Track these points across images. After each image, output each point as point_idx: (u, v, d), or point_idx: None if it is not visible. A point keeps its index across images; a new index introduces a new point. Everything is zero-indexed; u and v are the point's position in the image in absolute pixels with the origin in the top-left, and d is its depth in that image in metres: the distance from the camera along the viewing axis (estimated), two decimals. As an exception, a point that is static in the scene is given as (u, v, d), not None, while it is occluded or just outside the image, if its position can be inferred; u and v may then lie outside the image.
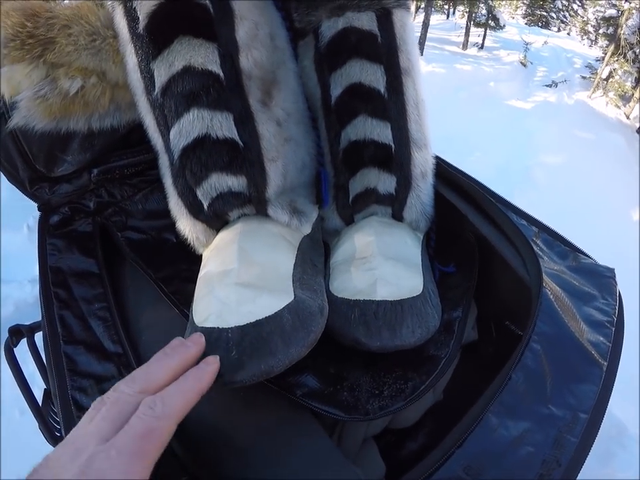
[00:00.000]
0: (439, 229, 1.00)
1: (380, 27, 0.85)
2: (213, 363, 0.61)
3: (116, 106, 0.90)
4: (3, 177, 0.97)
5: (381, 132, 0.87)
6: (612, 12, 10.73)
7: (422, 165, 0.93)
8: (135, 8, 0.76)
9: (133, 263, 0.95)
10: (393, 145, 0.88)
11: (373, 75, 0.85)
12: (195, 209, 0.83)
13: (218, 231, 0.85)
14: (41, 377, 0.95)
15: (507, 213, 0.97)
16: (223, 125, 0.76)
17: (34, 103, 0.82)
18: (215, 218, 0.83)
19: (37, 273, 0.91)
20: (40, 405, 0.94)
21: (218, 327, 0.65)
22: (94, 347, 0.80)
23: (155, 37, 0.75)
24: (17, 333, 0.98)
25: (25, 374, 0.97)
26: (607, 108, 9.22)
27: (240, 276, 0.71)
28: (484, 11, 11.47)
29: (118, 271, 0.98)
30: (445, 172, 1.07)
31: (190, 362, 0.61)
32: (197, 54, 0.74)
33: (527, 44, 11.10)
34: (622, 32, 9.77)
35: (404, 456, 0.83)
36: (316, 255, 0.89)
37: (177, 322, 0.83)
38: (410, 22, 0.89)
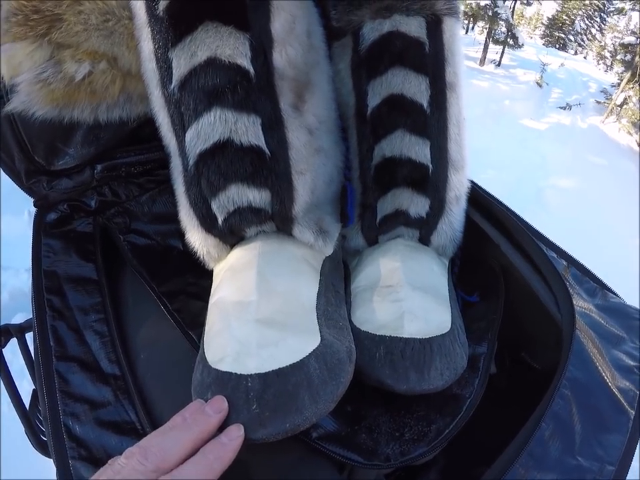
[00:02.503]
0: (463, 254, 0.95)
1: (429, 34, 0.76)
2: (236, 437, 0.55)
3: (126, 97, 0.80)
4: (3, 161, 0.89)
5: (420, 150, 0.79)
6: (631, 39, 10.80)
7: (457, 189, 0.86)
8: None
9: (135, 271, 0.87)
10: (430, 166, 0.80)
11: (416, 87, 0.77)
12: (207, 222, 0.74)
13: (232, 246, 0.77)
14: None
15: (538, 244, 0.91)
16: (248, 130, 0.67)
17: (34, 87, 0.72)
18: (230, 234, 0.75)
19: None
20: (27, 408, 0.89)
21: (236, 373, 0.58)
22: (89, 365, 0.73)
23: (177, 21, 0.65)
24: (6, 333, 0.90)
25: (17, 365, 0.93)
26: (619, 134, 9.27)
27: (260, 310, 0.64)
28: (503, 29, 11.50)
29: (118, 278, 0.90)
30: (476, 196, 1.00)
31: (210, 434, 0.55)
32: (225, 44, 0.64)
33: (543, 65, 11.16)
34: (639, 59, 9.80)
35: (414, 495, 0.78)
36: (337, 279, 0.82)
37: (180, 343, 0.77)
38: (459, 32, 0.81)
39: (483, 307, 0.89)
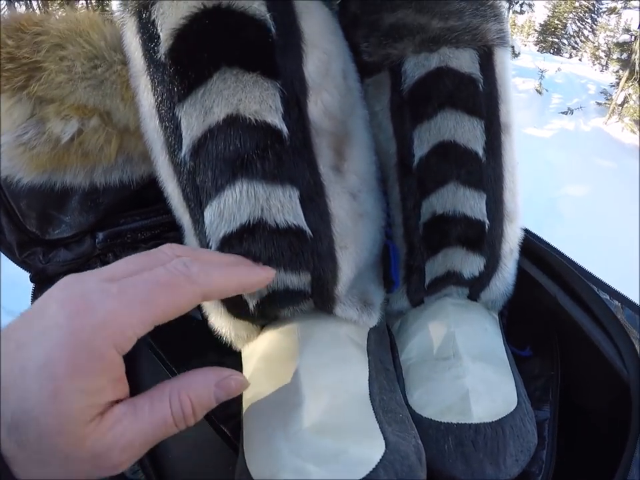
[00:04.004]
0: (511, 302, 0.84)
1: (481, 69, 0.65)
2: (271, 272, 0.53)
3: (126, 157, 0.68)
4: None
5: (475, 205, 0.68)
6: (625, 37, 10.95)
7: (512, 241, 0.75)
8: (153, 20, 0.52)
9: (150, 350, 0.77)
10: (486, 221, 0.69)
11: (470, 133, 0.66)
12: (236, 308, 0.62)
13: (263, 325, 0.66)
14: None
15: (592, 287, 0.80)
16: (285, 207, 0.54)
17: (16, 151, 0.61)
18: (262, 317, 0.63)
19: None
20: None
21: None
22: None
23: (184, 68, 0.52)
24: None
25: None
26: (623, 133, 9.38)
27: (310, 415, 0.53)
28: (499, 39, 11.61)
29: (132, 358, 0.76)
30: (525, 241, 0.87)
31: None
32: (249, 97, 0.51)
33: (541, 71, 11.27)
34: (636, 57, 9.93)
35: None
36: (384, 352, 0.71)
37: (211, 438, 0.69)
38: (510, 62, 0.70)
39: (538, 361, 0.80)
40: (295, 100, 0.53)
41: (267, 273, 0.52)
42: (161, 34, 0.52)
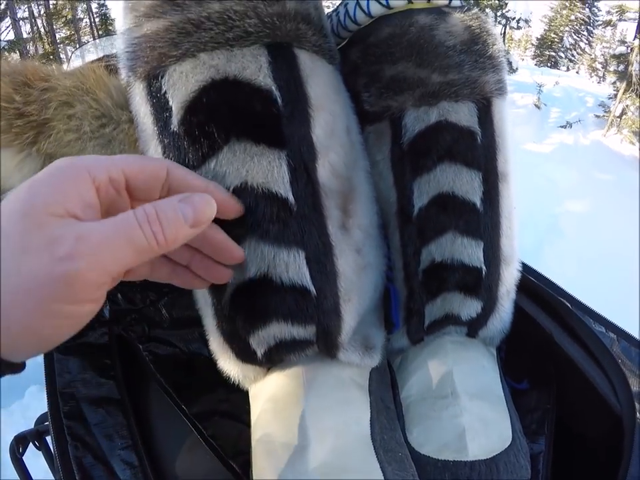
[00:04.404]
0: (509, 336, 0.86)
1: (480, 122, 0.68)
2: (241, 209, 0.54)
3: (135, 206, 0.70)
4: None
5: (472, 253, 0.70)
6: (622, 49, 10.92)
7: (508, 283, 0.77)
8: (164, 92, 0.54)
9: (161, 389, 0.79)
10: (483, 268, 0.71)
11: (468, 184, 0.68)
12: (244, 355, 0.63)
13: (270, 367, 0.68)
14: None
15: (584, 319, 0.83)
16: (289, 267, 0.56)
17: (27, 205, 0.63)
18: (269, 362, 0.65)
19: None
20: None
21: None
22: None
23: (196, 140, 0.54)
24: (23, 440, 0.83)
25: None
26: (622, 145, 9.31)
27: (315, 455, 0.55)
28: (496, 56, 11.62)
29: (141, 393, 0.82)
30: (522, 278, 0.89)
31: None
32: (257, 168, 0.53)
33: (539, 85, 11.21)
34: (633, 68, 9.89)
35: None
36: (385, 390, 0.72)
37: (220, 474, 0.70)
38: (507, 111, 0.72)
39: (535, 395, 0.84)
40: (302, 166, 0.55)
41: (238, 204, 0.53)
42: (172, 106, 0.54)
